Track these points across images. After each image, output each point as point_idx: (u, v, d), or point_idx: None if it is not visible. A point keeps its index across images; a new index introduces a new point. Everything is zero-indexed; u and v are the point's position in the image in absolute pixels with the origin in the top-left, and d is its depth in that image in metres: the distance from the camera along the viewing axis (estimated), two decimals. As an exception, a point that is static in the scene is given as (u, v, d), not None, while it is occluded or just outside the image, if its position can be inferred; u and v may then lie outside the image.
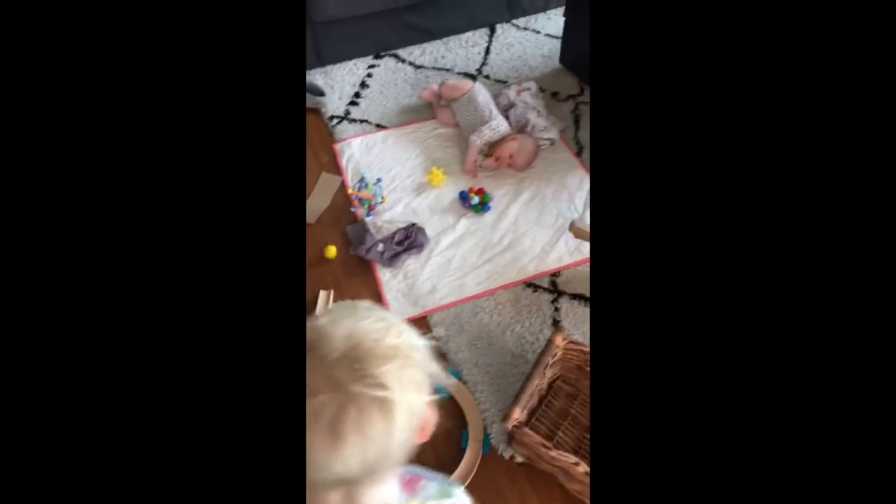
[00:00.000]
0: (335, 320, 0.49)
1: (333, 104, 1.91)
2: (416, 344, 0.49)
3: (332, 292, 1.45)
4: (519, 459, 1.17)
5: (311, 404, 0.44)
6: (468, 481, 1.13)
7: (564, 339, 1.18)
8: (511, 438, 1.14)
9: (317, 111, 1.89)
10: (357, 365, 0.45)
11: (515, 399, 1.10)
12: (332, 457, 0.44)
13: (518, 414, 1.07)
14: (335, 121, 1.87)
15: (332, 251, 1.52)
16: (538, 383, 1.17)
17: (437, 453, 1.20)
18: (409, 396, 0.46)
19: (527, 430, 1.06)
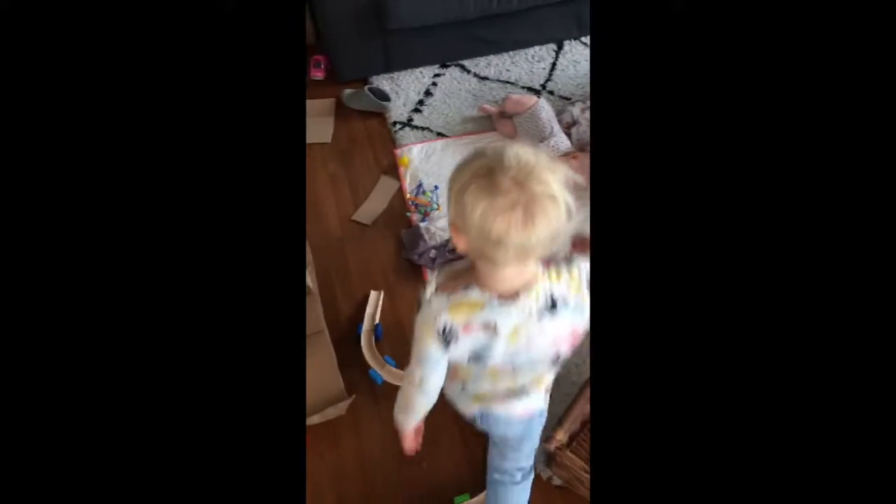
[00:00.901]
0: (502, 147, 0.66)
1: (397, 110, 1.96)
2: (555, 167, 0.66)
3: (382, 293, 1.48)
4: (556, 482, 1.16)
5: (506, 198, 0.62)
6: (503, 497, 1.13)
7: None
8: (551, 460, 1.13)
9: (381, 115, 1.95)
10: (532, 174, 0.63)
11: (560, 421, 1.09)
12: (525, 233, 0.63)
13: (561, 436, 1.06)
14: (398, 126, 1.91)
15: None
16: (583, 407, 1.16)
17: (474, 466, 1.20)
18: (563, 186, 0.65)
19: (569, 453, 1.05)
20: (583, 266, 0.74)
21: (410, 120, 1.93)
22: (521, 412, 0.89)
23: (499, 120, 1.86)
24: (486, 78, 2.07)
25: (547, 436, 1.10)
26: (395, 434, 1.25)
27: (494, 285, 0.71)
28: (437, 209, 1.66)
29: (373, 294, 1.47)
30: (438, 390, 0.83)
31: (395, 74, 2.07)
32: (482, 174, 0.63)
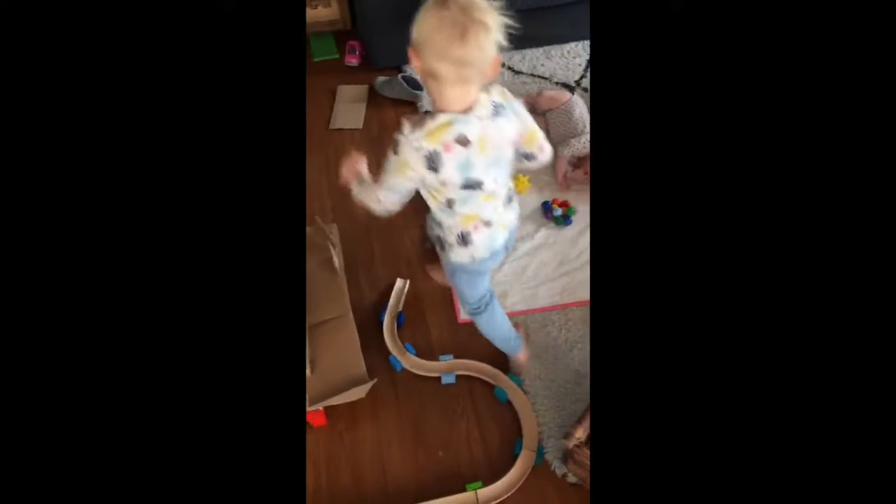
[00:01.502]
0: None
1: (429, 99, 1.96)
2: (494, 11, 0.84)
3: (407, 282, 1.49)
4: (572, 479, 1.16)
5: (451, 18, 0.81)
6: (517, 487, 1.14)
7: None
8: (568, 457, 1.13)
9: (413, 104, 1.95)
10: (475, 7, 0.82)
11: (579, 419, 1.09)
12: (462, 48, 0.81)
13: (580, 433, 1.06)
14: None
15: None
16: (602, 407, 1.16)
17: (490, 456, 1.21)
18: (498, 26, 0.83)
19: (587, 450, 1.05)
20: (500, 87, 0.96)
21: (442, 110, 1.93)
22: (507, 236, 1.05)
23: (532, 116, 1.85)
24: (519, 72, 2.05)
25: (566, 433, 1.11)
26: (411, 421, 1.27)
27: (449, 106, 0.90)
28: (465, 201, 1.66)
29: (398, 282, 1.49)
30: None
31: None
32: (438, 2, 0.82)
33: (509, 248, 1.09)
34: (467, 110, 0.89)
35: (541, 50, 2.12)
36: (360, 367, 1.22)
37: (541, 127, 1.80)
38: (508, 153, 0.96)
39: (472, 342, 1.39)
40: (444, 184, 0.92)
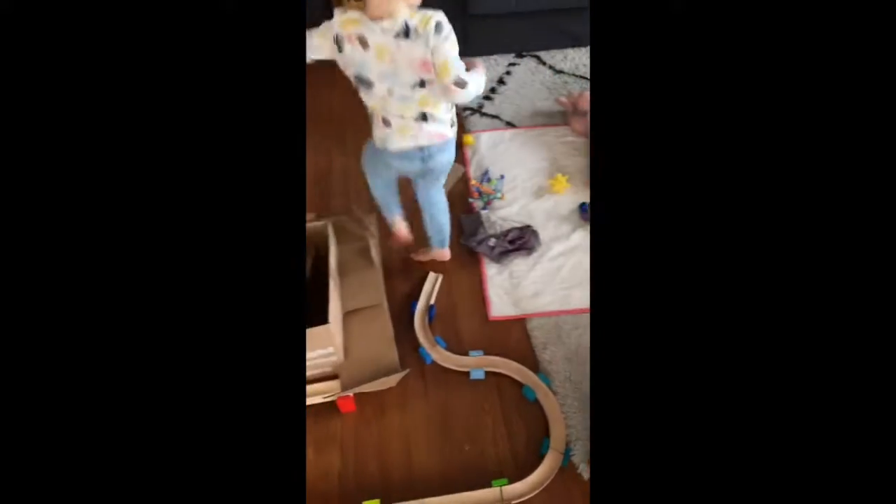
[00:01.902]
0: None
1: (469, 96, 1.96)
2: None
3: (440, 276, 1.50)
4: (597, 482, 1.15)
5: None
6: (542, 487, 1.14)
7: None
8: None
9: (452, 100, 1.96)
10: None
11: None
12: None
13: (610, 438, 1.05)
14: (467, 112, 1.92)
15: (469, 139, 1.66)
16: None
17: (516, 454, 1.21)
18: None
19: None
20: (433, 15, 1.03)
21: (481, 107, 1.93)
22: (412, 146, 1.19)
23: (573, 116, 1.84)
24: (561, 71, 2.04)
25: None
26: (438, 413, 1.28)
27: (370, 10, 1.03)
28: (501, 198, 1.66)
29: (431, 275, 1.50)
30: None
31: (469, 60, 2.06)
32: None
33: (426, 162, 1.23)
34: (378, 19, 1.03)
35: (583, 50, 2.10)
36: (393, 356, 1.23)
37: (583, 129, 1.81)
38: (409, 73, 1.08)
39: (502, 339, 1.40)
40: (344, 67, 1.13)
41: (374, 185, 1.37)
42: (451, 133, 1.21)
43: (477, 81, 1.13)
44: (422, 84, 1.09)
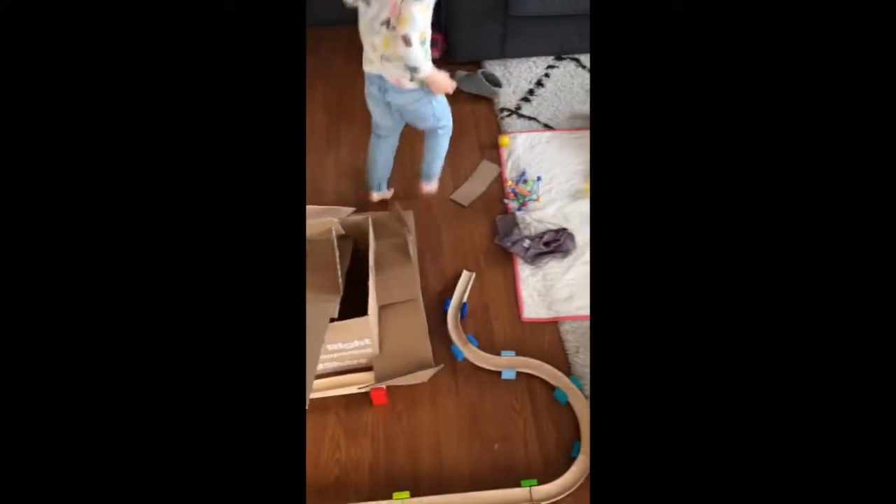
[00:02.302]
0: None
1: (506, 97, 1.96)
2: None
3: (473, 275, 1.51)
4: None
5: None
6: (571, 491, 1.13)
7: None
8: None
9: (489, 100, 1.96)
10: None
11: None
12: None
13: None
14: (505, 113, 1.92)
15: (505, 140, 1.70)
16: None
17: (546, 456, 1.21)
18: None
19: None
20: None
21: (518, 108, 1.93)
22: (394, 79, 1.32)
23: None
24: (587, 66, 2.03)
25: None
26: (469, 411, 1.29)
27: None
28: (537, 200, 1.66)
29: (465, 274, 1.51)
30: None
31: (509, 61, 2.07)
32: None
33: (384, 94, 1.36)
34: None
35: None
36: (427, 351, 1.24)
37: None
38: (385, 10, 1.21)
39: (534, 341, 1.40)
40: None
41: (373, 115, 1.49)
42: (411, 85, 1.31)
43: (420, 57, 1.22)
44: (388, 24, 1.22)
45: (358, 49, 1.34)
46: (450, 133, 1.52)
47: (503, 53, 2.06)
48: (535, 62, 2.07)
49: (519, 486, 1.15)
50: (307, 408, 1.08)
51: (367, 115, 1.48)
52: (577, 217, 1.62)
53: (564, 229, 1.57)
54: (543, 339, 1.40)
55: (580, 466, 1.17)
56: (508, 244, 1.56)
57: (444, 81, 1.31)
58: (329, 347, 1.21)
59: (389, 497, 1.14)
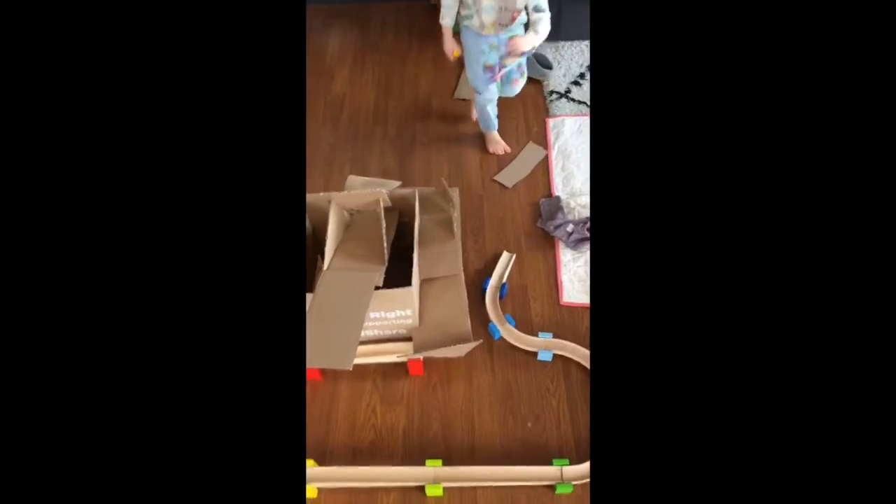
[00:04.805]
0: None
1: (556, 80, 1.93)
2: None
3: (514, 256, 1.51)
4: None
5: None
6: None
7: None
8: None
9: (539, 83, 1.94)
10: None
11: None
12: None
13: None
14: (554, 96, 1.89)
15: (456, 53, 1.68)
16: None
17: (578, 438, 1.22)
18: None
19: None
20: None
21: (568, 91, 1.90)
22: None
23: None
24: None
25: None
26: (503, 389, 1.30)
27: None
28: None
29: (505, 254, 1.51)
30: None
31: (561, 44, 2.03)
32: None
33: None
34: None
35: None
36: (466, 325, 1.26)
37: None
38: None
39: (571, 324, 1.39)
40: None
41: (472, 74, 1.62)
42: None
43: (442, 13, 1.47)
44: None
45: (408, 25, 1.34)
46: (479, 101, 1.67)
47: (556, 36, 2.01)
48: (587, 46, 2.03)
49: (550, 464, 1.16)
50: (350, 370, 1.12)
51: (415, 92, 1.49)
52: (622, 204, 1.59)
53: (609, 216, 1.55)
54: (582, 324, 1.40)
55: (613, 451, 1.17)
56: (551, 228, 1.55)
57: (444, 46, 1.51)
58: (371, 315, 1.24)
59: (422, 464, 1.17)
